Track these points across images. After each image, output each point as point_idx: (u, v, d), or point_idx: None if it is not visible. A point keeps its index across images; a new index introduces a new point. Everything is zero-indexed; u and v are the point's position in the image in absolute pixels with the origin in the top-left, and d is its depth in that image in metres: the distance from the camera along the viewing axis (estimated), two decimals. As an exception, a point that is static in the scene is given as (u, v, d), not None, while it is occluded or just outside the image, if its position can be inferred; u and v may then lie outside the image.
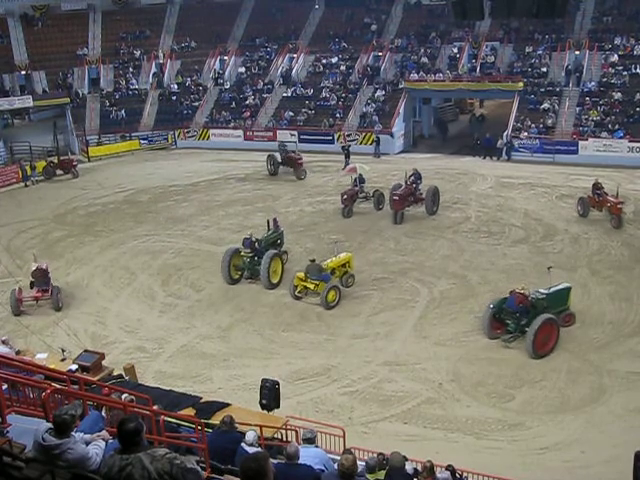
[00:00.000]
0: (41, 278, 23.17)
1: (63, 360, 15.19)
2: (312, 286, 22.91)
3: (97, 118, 47.52)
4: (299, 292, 23.19)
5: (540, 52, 44.07)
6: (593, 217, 29.06)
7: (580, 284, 23.16)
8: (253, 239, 24.78)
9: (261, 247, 24.78)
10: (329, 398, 17.70)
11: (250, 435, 9.77)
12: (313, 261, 23.21)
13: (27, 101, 45.03)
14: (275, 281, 24.07)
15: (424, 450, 14.32)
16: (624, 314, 21.19)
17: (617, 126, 38.13)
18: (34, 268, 23.32)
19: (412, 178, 30.67)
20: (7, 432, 6.89)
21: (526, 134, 39.68)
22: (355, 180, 31.74)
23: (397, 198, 29.63)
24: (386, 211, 30.90)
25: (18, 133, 45.14)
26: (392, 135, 42.47)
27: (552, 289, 20.29)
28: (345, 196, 30.87)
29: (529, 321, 19.41)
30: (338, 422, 15.48)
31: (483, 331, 20.36)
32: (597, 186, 29.18)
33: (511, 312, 19.89)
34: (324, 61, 49.21)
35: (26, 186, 38.79)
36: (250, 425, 11.17)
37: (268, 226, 26.23)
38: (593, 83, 41.07)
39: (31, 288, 23.20)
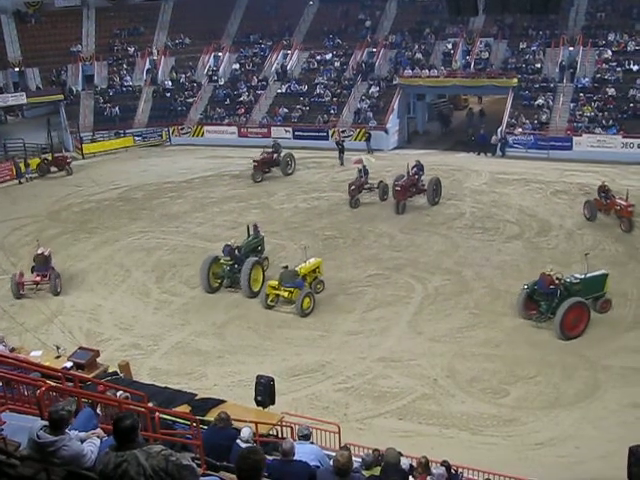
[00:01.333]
0: (42, 263, 24.21)
1: (58, 357, 15.17)
2: (286, 294, 22.19)
3: (91, 115, 47.33)
4: (271, 301, 22.50)
5: (534, 48, 44.04)
6: (600, 220, 28.36)
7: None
8: (233, 246, 24.10)
9: (241, 254, 24.06)
10: (324, 394, 17.73)
11: (245, 432, 9.78)
12: (286, 267, 22.61)
13: (21, 98, 44.90)
14: (256, 289, 23.19)
15: (419, 446, 14.35)
16: (619, 309, 21.25)
17: (611, 122, 38.18)
18: (37, 253, 24.44)
19: (414, 169, 31.51)
20: (1, 430, 6.87)
21: (520, 130, 39.68)
22: (360, 171, 32.43)
23: (399, 188, 30.48)
24: (383, 204, 31.46)
25: (12, 130, 45.07)
26: (386, 131, 42.43)
27: (588, 275, 20.92)
28: (353, 187, 31.64)
29: (559, 303, 20.05)
30: (333, 418, 15.50)
31: (517, 311, 21.12)
32: (604, 189, 28.52)
33: (542, 293, 20.63)
34: (318, 57, 49.09)
35: (20, 183, 38.69)
36: (245, 422, 11.18)
37: (248, 232, 25.55)
38: (587, 79, 41.08)
39: (32, 272, 24.16)
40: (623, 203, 27.64)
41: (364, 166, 32.57)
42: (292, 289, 22.08)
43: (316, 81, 47.06)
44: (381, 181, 32.37)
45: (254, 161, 36.67)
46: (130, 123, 47.10)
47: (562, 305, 19.75)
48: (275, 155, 37.23)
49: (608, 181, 29.82)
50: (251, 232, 25.56)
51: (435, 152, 41.24)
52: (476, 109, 50.37)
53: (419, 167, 31.80)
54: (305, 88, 46.79)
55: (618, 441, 14.03)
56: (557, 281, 20.47)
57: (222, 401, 13.78)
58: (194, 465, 5.65)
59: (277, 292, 22.39)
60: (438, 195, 31.51)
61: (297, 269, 22.55)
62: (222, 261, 23.93)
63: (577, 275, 20.95)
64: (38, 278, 23.98)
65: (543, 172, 35.61)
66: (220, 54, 51.18)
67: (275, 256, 26.38)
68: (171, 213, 32.16)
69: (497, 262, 25.24)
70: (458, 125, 48.12)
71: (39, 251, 24.58)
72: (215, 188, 35.76)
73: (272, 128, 44.56)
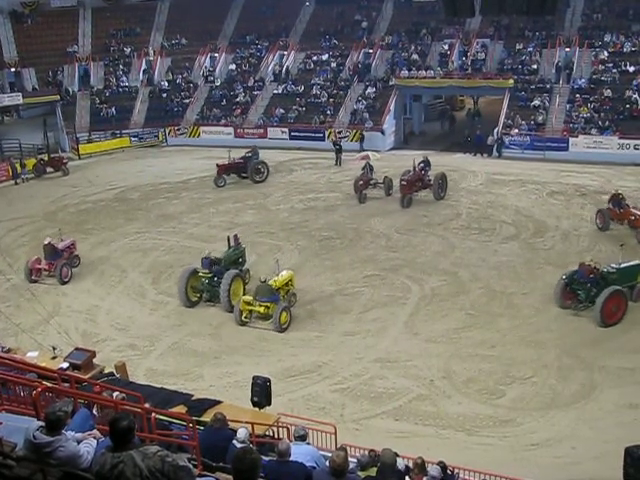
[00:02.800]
0: (50, 253, 25.29)
1: (54, 358, 15.12)
2: (262, 309, 21.20)
3: (87, 115, 47.33)
4: (245, 317, 21.38)
5: (530, 49, 44.16)
6: (612, 229, 27.62)
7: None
8: (212, 258, 23.20)
9: (221, 266, 22.95)
10: (320, 395, 17.71)
11: (241, 432, 9.77)
12: (264, 282, 21.42)
13: (17, 98, 44.85)
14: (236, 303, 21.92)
15: (415, 446, 14.34)
16: (614, 310, 21.28)
17: (607, 123, 38.24)
18: (46, 242, 25.43)
19: (421, 165, 32.53)
20: (-2, 431, 6.86)
21: (517, 131, 39.75)
22: (365, 167, 33.19)
23: (405, 183, 31.31)
24: (387, 200, 32.33)
25: (8, 131, 44.98)
26: (383, 132, 42.48)
27: (623, 265, 21.48)
28: (361, 182, 32.45)
29: (598, 292, 20.65)
30: (329, 419, 15.48)
31: (555, 301, 21.59)
32: (618, 197, 27.37)
33: (582, 282, 21.23)
34: (315, 58, 49.16)
35: (16, 184, 38.63)
36: (241, 422, 11.18)
37: (229, 243, 24.35)
38: (583, 80, 41.17)
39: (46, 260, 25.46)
40: (639, 213, 26.66)
41: (368, 163, 33.48)
42: (268, 304, 21.16)
43: (312, 82, 47.14)
44: (386, 176, 33.09)
45: (217, 165, 36.21)
46: (126, 124, 47.12)
47: (602, 293, 20.36)
48: (244, 161, 36.39)
49: (604, 182, 29.80)
50: (232, 243, 24.38)
51: (432, 153, 41.04)
52: (474, 109, 50.63)
53: (426, 163, 32.78)
54: (301, 89, 46.84)
55: (614, 442, 14.03)
56: (596, 271, 21.19)
57: (218, 402, 13.77)
58: (190, 466, 5.65)
59: (252, 308, 21.38)
60: (444, 190, 32.34)
61: (271, 282, 21.51)
62: (200, 274, 22.97)
63: (613, 265, 21.51)
64: (47, 266, 25.16)
65: (539, 173, 35.66)
66: (216, 55, 51.27)
67: (271, 257, 26.37)
68: (167, 214, 32.14)
69: (493, 263, 25.25)
70: (457, 125, 48.27)
71: (46, 241, 25.49)
72: (211, 189, 35.71)
73: (268, 129, 44.67)
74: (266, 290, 21.23)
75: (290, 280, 22.56)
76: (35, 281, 24.93)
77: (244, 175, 36.57)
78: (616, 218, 27.36)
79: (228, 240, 24.44)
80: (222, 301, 22.09)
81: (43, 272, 25.25)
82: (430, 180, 32.16)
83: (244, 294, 22.33)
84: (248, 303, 21.43)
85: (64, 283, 24.80)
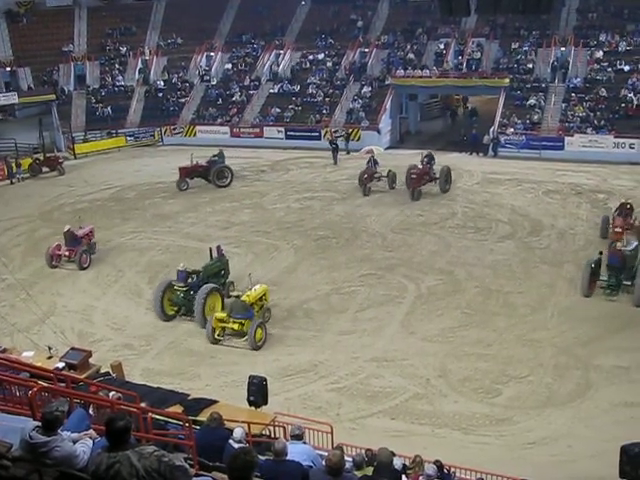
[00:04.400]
0: (70, 239, 26.35)
1: (50, 358, 15.12)
2: (236, 326, 20.16)
3: (83, 115, 47.26)
4: (218, 335, 20.33)
5: (526, 48, 44.21)
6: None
7: (567, 279, 23.34)
8: (189, 271, 22.11)
9: (199, 280, 21.97)
10: (317, 394, 17.72)
11: (238, 432, 9.78)
12: (238, 297, 20.57)
13: (12, 98, 44.70)
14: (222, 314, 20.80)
15: (412, 446, 14.35)
16: (609, 309, 21.32)
17: (602, 122, 38.31)
18: (66, 230, 26.44)
19: (426, 159, 33.46)
20: (-7, 431, 6.85)
21: (512, 130, 39.77)
22: (370, 161, 34.24)
23: (415, 176, 32.14)
24: (390, 193, 33.14)
25: (3, 130, 44.77)
26: (379, 131, 42.51)
27: (633, 245, 22.60)
28: (366, 175, 33.44)
29: (630, 275, 21.74)
30: (326, 418, 15.48)
31: (581, 290, 22.08)
32: (626, 206, 26.34)
33: (615, 267, 22.01)
34: (310, 57, 49.15)
35: (12, 183, 38.56)
36: (238, 422, 11.18)
37: (211, 254, 23.29)
38: (579, 79, 41.23)
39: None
40: None
41: (372, 157, 34.80)
42: (243, 320, 20.16)
43: (308, 81, 47.13)
44: (390, 170, 33.79)
45: (179, 168, 35.44)
46: (122, 123, 47.06)
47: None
48: (208, 165, 35.66)
49: (600, 181, 29.81)
50: (214, 254, 23.35)
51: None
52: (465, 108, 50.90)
53: (430, 157, 33.69)
54: (297, 88, 46.83)
55: (610, 440, 14.06)
56: (620, 253, 22.06)
57: (214, 401, 13.78)
58: (187, 466, 5.66)
59: (225, 325, 20.37)
60: (449, 183, 33.32)
61: (244, 298, 20.45)
62: (176, 287, 21.90)
63: (628, 247, 22.49)
64: (67, 253, 26.23)
65: (535, 172, 35.69)
66: (212, 54, 51.18)
67: (267, 256, 26.38)
68: (163, 213, 32.10)
69: (489, 262, 25.28)
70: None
71: (65, 228, 26.52)
72: (207, 188, 35.66)
73: (264, 128, 44.64)
74: (240, 306, 20.28)
75: (264, 295, 21.37)
76: (55, 266, 25.99)
77: (209, 179, 35.82)
78: (622, 229, 24.87)
79: (210, 251, 23.41)
80: (196, 317, 21.06)
81: (63, 258, 26.28)
82: (435, 174, 33.12)
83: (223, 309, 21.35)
84: (221, 320, 20.38)
85: (83, 269, 25.74)
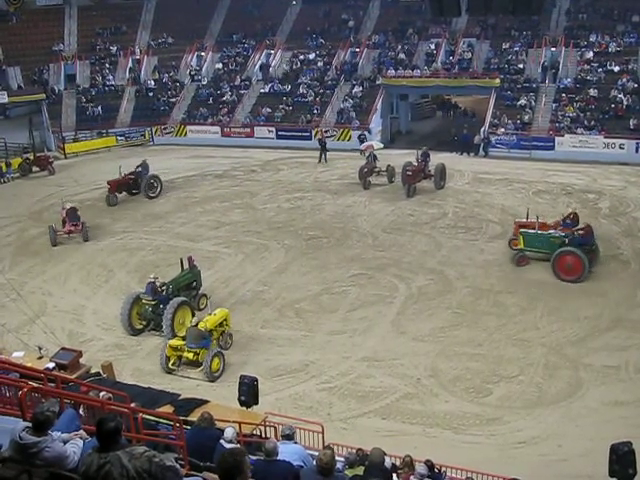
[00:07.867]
0: (72, 215, 28.62)
1: (40, 358, 15.07)
2: (191, 355, 18.78)
3: (73, 114, 47.10)
4: (172, 364, 18.87)
5: (516, 49, 44.37)
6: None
7: (556, 279, 23.40)
8: (158, 283, 21.21)
9: (169, 292, 21.10)
10: (308, 394, 17.72)
11: (229, 432, 9.77)
12: (195, 325, 18.98)
13: (2, 97, 44.47)
14: (182, 334, 19.48)
15: (403, 445, 14.36)
16: (599, 309, 21.40)
17: (593, 122, 38.44)
18: (67, 207, 28.70)
19: (422, 157, 34.13)
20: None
21: (503, 130, 39.88)
22: (369, 157, 35.26)
23: (410, 173, 32.84)
24: (389, 187, 33.84)
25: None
26: (370, 131, 42.51)
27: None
28: (365, 170, 34.46)
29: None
30: (317, 418, 15.48)
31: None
32: (570, 217, 25.42)
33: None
34: (301, 57, 49.19)
35: (1, 183, 38.40)
36: (229, 422, 11.17)
37: (182, 265, 22.54)
38: (569, 80, 41.38)
39: (63, 226, 28.56)
40: None
41: (372, 152, 35.44)
42: (198, 350, 18.79)
43: (299, 81, 47.14)
44: (389, 165, 34.75)
45: (108, 182, 33.56)
46: (112, 123, 46.95)
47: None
48: (134, 176, 34.06)
49: (590, 181, 29.87)
50: (185, 265, 22.60)
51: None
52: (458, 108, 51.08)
53: (426, 154, 34.28)
54: (288, 88, 46.83)
55: (600, 439, 14.16)
56: None
57: (205, 401, 13.76)
58: (177, 466, 5.64)
59: (179, 353, 18.96)
60: (443, 179, 34.00)
61: (200, 325, 18.98)
62: (144, 301, 20.99)
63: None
64: (72, 227, 28.52)
65: (525, 172, 35.78)
66: (203, 54, 51.15)
67: (258, 256, 26.36)
68: (154, 213, 32.03)
69: (480, 262, 25.33)
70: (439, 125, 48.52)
71: (67, 206, 28.80)
72: (198, 188, 35.63)
73: (255, 128, 44.64)
74: (195, 335, 18.79)
75: (225, 319, 19.97)
76: (57, 244, 28.08)
77: (135, 192, 34.14)
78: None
79: (181, 262, 22.65)
80: (165, 332, 19.97)
81: (64, 234, 28.45)
82: (430, 171, 33.71)
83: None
84: (175, 348, 18.97)
85: (87, 240, 28.33)
